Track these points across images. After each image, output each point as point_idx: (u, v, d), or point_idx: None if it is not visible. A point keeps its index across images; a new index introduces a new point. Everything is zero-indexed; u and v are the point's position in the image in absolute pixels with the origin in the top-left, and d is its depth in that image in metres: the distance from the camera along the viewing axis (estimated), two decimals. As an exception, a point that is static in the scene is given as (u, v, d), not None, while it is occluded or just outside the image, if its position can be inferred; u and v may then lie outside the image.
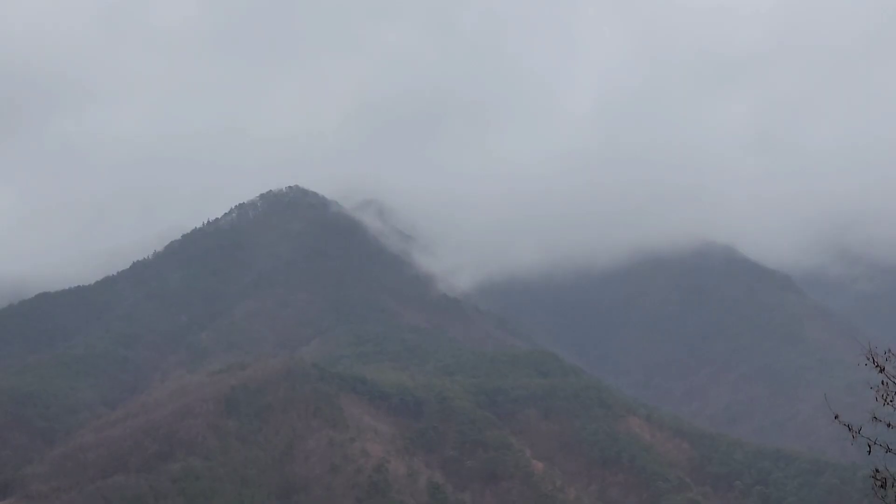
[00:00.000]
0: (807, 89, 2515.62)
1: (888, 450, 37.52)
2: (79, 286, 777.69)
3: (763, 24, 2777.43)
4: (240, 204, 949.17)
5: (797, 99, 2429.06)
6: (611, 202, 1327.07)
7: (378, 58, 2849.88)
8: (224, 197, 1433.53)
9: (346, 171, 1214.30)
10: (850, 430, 38.63)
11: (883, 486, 37.84)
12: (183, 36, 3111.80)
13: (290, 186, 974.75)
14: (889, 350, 38.15)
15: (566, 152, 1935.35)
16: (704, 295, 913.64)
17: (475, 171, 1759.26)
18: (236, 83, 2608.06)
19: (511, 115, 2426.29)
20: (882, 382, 37.74)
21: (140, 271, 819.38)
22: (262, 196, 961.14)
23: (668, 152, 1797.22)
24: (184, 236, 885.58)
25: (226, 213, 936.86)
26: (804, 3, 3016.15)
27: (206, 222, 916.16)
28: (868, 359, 38.16)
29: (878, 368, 37.88)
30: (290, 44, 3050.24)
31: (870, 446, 37.69)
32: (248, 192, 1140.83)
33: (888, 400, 37.69)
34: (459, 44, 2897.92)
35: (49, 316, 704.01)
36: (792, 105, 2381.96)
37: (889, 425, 38.17)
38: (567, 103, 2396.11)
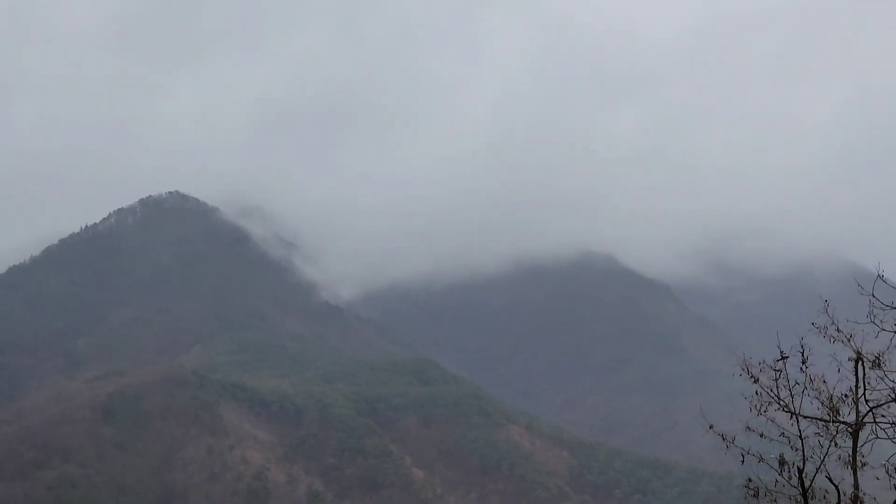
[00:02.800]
0: (694, 109, 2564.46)
1: (761, 459, 37.76)
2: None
3: (657, 45, 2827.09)
4: (119, 209, 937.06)
5: (684, 117, 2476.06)
6: (498, 209, 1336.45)
7: (280, 62, 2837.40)
8: (106, 201, 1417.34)
9: (235, 177, 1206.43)
10: (724, 439, 38.86)
11: (756, 495, 38.09)
12: (79, 35, 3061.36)
13: (170, 192, 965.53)
14: (763, 361, 38.42)
15: (460, 159, 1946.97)
16: (585, 304, 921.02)
17: (371, 176, 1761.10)
18: (131, 85, 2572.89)
19: (411, 122, 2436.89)
20: (756, 393, 38.02)
21: (16, 276, 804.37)
22: (141, 201, 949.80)
23: (558, 162, 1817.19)
24: (62, 241, 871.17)
25: (104, 219, 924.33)
26: (698, 27, 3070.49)
27: (84, 227, 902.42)
28: (743, 369, 38.42)
29: (753, 379, 38.15)
30: (191, 46, 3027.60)
31: (743, 456, 37.92)
32: (130, 196, 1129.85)
33: (762, 410, 37.96)
34: (363, 50, 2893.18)
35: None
36: (679, 122, 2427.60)
37: (762, 435, 38.43)
38: (466, 110, 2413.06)
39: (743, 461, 38.21)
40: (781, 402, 38.05)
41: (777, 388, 38.16)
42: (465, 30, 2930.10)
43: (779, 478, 37.66)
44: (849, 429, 37.76)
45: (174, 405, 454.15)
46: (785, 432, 38.15)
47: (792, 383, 38.02)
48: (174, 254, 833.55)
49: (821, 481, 37.60)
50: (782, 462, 37.45)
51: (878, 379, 37.45)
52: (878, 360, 37.18)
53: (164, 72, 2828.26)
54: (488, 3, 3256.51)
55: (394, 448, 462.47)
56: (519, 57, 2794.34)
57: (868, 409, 37.74)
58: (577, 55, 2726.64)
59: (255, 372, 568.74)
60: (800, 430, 37.85)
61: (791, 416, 38.13)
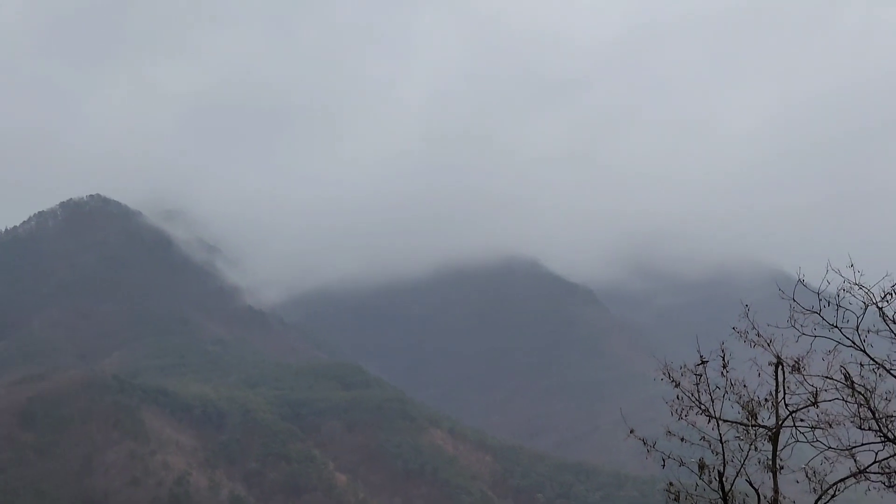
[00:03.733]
0: (619, 113, 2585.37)
1: (682, 463, 37.82)
2: None
3: (586, 50, 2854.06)
4: (40, 212, 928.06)
5: (610, 121, 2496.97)
6: (425, 211, 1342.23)
7: (209, 64, 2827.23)
8: (27, 205, 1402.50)
9: (159, 180, 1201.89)
10: (645, 444, 38.88)
11: (677, 499, 38.13)
12: (2, 36, 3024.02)
13: (91, 195, 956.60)
14: (684, 365, 38.48)
15: (390, 160, 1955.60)
16: (509, 308, 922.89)
17: (301, 178, 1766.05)
18: (54, 87, 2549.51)
19: (344, 123, 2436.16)
20: (677, 397, 38.08)
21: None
22: (62, 204, 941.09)
23: (486, 164, 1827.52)
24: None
25: (25, 222, 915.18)
26: (626, 34, 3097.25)
27: (4, 231, 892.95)
28: (664, 373, 38.47)
29: (674, 383, 38.21)
30: (117, 47, 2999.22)
31: (664, 460, 37.96)
32: (51, 200, 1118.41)
33: (683, 414, 38.02)
34: (294, 51, 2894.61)
35: None
36: (604, 127, 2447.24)
37: (683, 439, 38.48)
38: (397, 112, 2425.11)
39: (664, 465, 38.26)
40: (702, 407, 38.12)
41: (698, 392, 38.24)
42: (398, 32, 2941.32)
43: (699, 481, 37.72)
44: (769, 432, 37.90)
45: (95, 410, 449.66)
46: (706, 436, 38.22)
47: (713, 387, 38.10)
48: (95, 258, 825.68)
49: (741, 485, 37.70)
50: (702, 466, 37.51)
51: (798, 383, 37.63)
52: (798, 364, 37.36)
53: (89, 73, 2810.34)
54: (421, 5, 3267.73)
55: (317, 453, 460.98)
56: (451, 59, 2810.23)
57: (788, 413, 37.92)
58: (508, 58, 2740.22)
59: (177, 376, 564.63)
60: (720, 434, 37.93)
61: (711, 420, 38.23)
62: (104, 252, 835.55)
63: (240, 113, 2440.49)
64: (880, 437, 37.14)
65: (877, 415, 36.84)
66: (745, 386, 38.22)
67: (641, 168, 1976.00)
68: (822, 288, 37.98)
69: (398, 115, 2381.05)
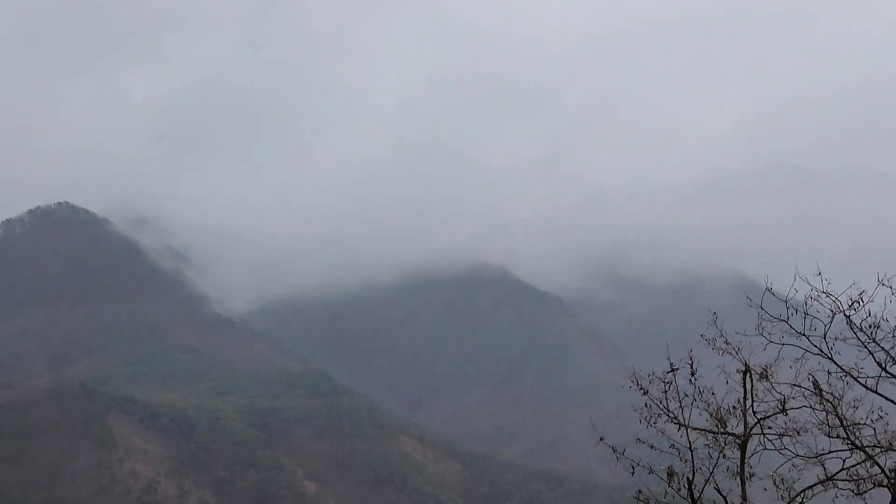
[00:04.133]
0: (588, 121, 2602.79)
1: (651, 471, 37.95)
2: None
3: (555, 58, 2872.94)
4: (7, 220, 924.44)
5: (578, 129, 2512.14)
6: (394, 218, 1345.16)
7: (179, 70, 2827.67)
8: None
9: (127, 188, 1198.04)
10: (614, 451, 38.98)
11: (646, 506, 38.25)
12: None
13: (59, 203, 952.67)
14: (653, 373, 38.62)
15: (359, 167, 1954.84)
16: (478, 316, 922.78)
17: (270, 184, 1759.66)
18: (22, 93, 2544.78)
19: (315, 129, 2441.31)
20: (646, 405, 38.22)
21: None
22: (30, 212, 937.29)
23: (454, 171, 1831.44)
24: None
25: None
26: (595, 42, 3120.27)
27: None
28: (633, 382, 38.61)
29: (643, 391, 38.36)
30: (91, 53, 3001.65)
31: (633, 468, 38.09)
32: (19, 207, 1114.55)
33: (651, 422, 38.17)
34: (265, 57, 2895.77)
35: None
36: (573, 134, 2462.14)
37: (652, 447, 38.62)
38: (367, 118, 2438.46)
39: (633, 473, 38.36)
40: (671, 414, 38.28)
41: (667, 399, 38.40)
42: (370, 39, 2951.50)
43: (669, 489, 37.88)
44: (737, 440, 38.08)
45: (62, 418, 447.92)
46: (675, 444, 38.39)
47: (681, 395, 38.27)
48: (63, 265, 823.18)
49: (710, 492, 37.85)
50: (672, 474, 37.64)
51: (766, 391, 37.83)
52: (766, 372, 37.56)
53: (59, 79, 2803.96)
54: (394, 13, 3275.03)
55: (286, 461, 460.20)
56: (422, 66, 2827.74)
57: (756, 420, 38.11)
58: (479, 66, 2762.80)
59: (146, 384, 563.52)
60: (689, 442, 38.09)
61: (680, 428, 38.39)
62: (72, 260, 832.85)
63: (210, 120, 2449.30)
64: (848, 444, 37.38)
65: (844, 422, 37.09)
66: (713, 394, 38.42)
67: (610, 174, 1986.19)
68: (790, 296, 38.25)
69: (369, 122, 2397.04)
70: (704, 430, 38.42)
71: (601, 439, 40.35)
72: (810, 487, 37.71)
